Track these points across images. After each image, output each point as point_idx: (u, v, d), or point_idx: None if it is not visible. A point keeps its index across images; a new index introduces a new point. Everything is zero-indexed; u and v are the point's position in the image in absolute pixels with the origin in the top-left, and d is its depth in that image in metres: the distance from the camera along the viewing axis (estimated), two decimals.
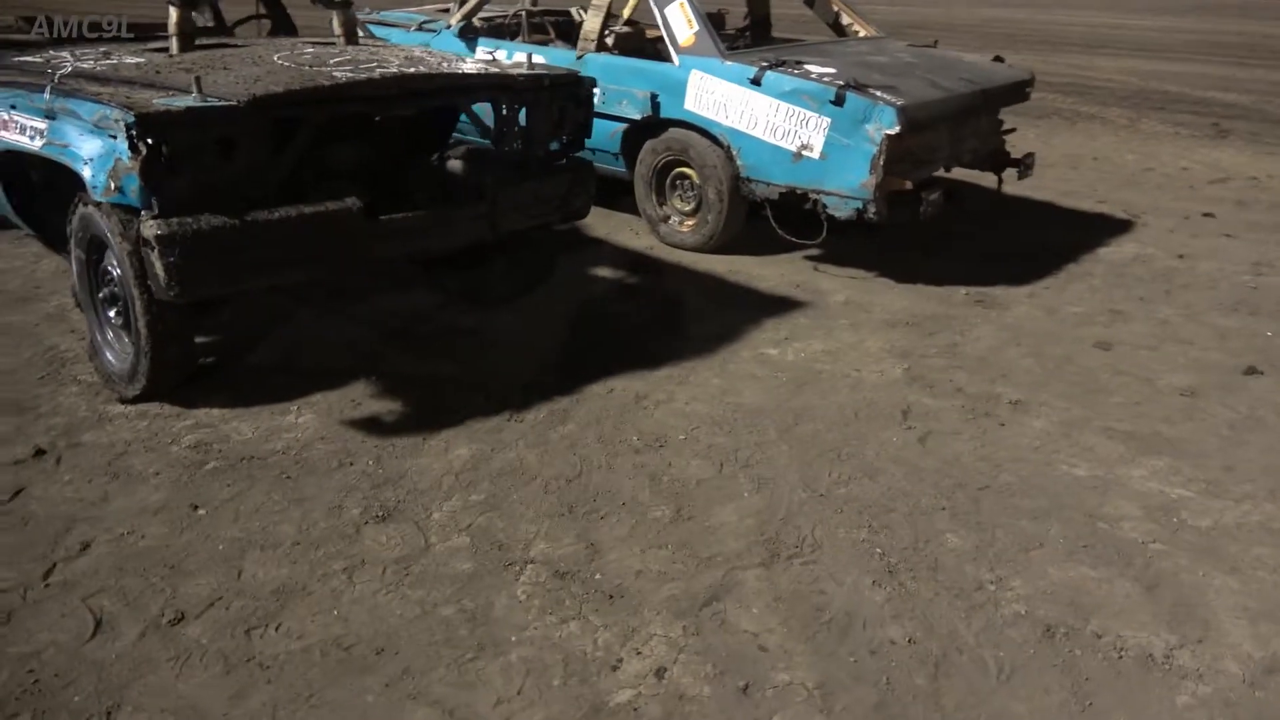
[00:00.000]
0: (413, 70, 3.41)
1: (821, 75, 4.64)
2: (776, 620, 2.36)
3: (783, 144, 4.75)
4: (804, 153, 4.67)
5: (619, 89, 5.34)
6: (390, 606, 2.38)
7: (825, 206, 4.73)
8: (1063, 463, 3.16)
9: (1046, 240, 5.63)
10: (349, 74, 3.21)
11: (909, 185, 4.56)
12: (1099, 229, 5.91)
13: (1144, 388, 3.75)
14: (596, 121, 5.47)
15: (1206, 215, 6.31)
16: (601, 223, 5.71)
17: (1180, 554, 2.67)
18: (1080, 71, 12.97)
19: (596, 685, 2.13)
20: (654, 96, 5.19)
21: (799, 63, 4.83)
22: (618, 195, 5.65)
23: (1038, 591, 2.49)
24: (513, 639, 2.27)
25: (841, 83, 4.50)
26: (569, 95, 3.81)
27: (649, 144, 5.34)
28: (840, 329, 4.26)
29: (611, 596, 2.43)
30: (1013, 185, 6.57)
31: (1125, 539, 2.74)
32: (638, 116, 5.29)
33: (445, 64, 3.73)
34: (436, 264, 4.43)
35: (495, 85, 3.63)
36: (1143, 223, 6.10)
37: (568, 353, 3.93)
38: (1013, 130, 5.74)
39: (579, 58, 5.56)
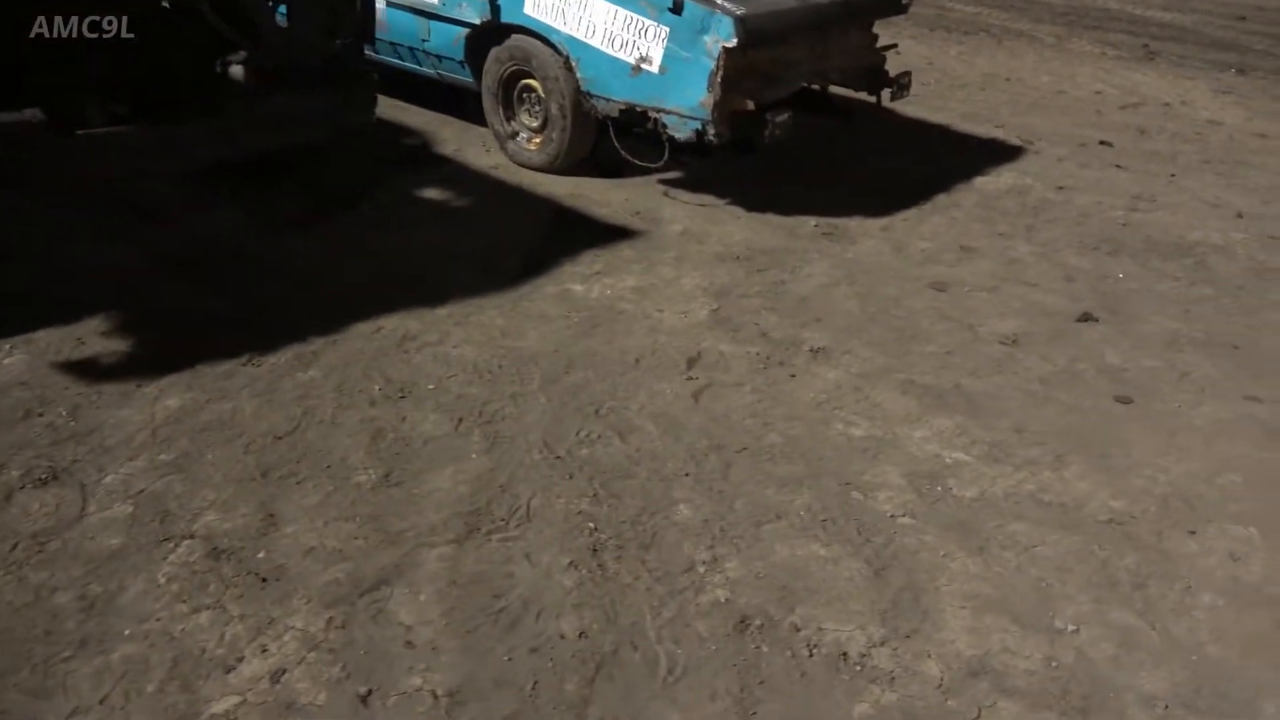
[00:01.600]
0: None
1: None
2: (440, 610, 2.08)
3: (621, 55, 4.32)
4: (643, 66, 4.25)
5: None
6: (2, 592, 2.06)
7: (665, 126, 4.33)
8: (841, 420, 2.88)
9: (925, 168, 5.27)
10: None
11: (750, 105, 4.16)
12: (984, 156, 5.55)
13: (964, 335, 3.46)
14: (440, 27, 5.04)
15: (1103, 143, 5.96)
16: (455, 137, 5.28)
17: (929, 530, 2.42)
18: None
19: (199, 691, 1.85)
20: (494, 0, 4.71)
21: None
22: (476, 108, 5.18)
23: (751, 575, 2.22)
24: (126, 633, 1.98)
25: None
26: None
27: (493, 52, 4.88)
28: (664, 263, 3.91)
29: (265, 580, 2.14)
30: (909, 107, 6.21)
31: (875, 511, 2.48)
32: (477, 21, 4.82)
33: None
34: (235, 181, 4.01)
35: None
36: (1034, 150, 5.75)
37: (351, 285, 3.56)
38: (893, 46, 5.31)
39: None
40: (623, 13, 4.24)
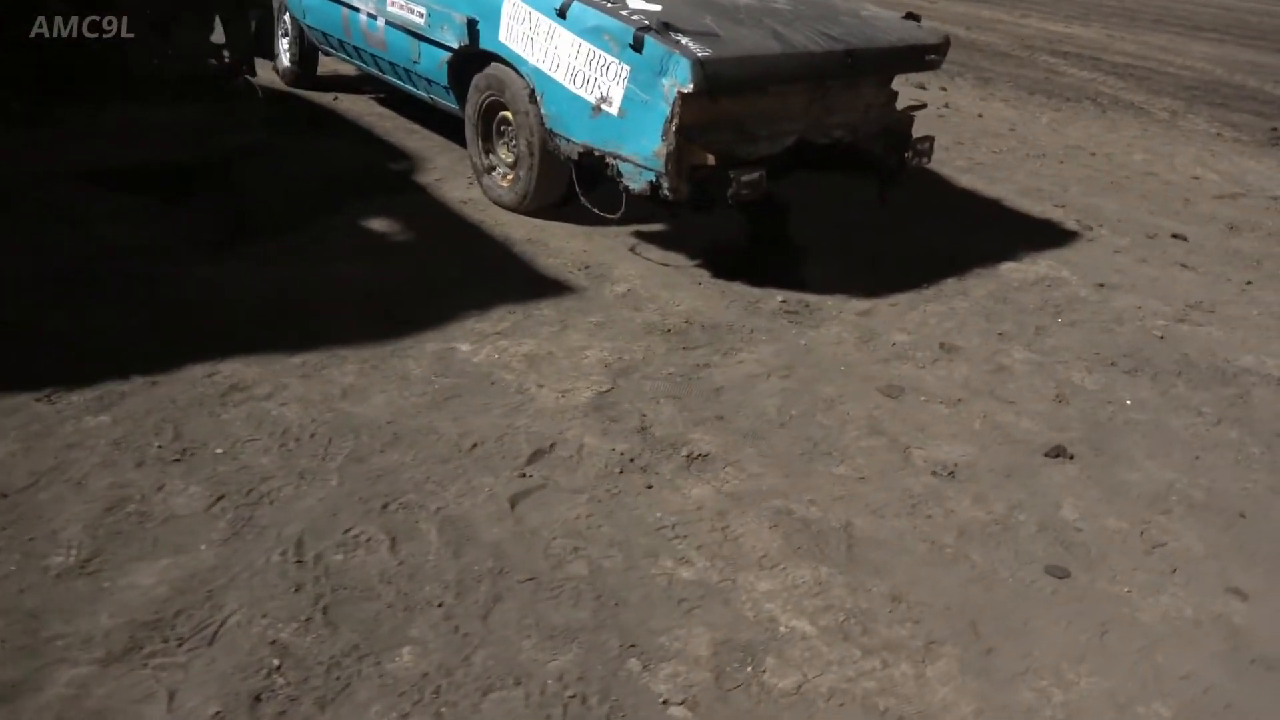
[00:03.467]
0: None
1: (634, 12, 3.72)
2: None
3: (582, 93, 3.87)
4: (603, 106, 3.80)
5: (442, 10, 4.52)
6: None
7: (620, 175, 3.86)
8: (674, 555, 2.32)
9: (949, 245, 4.61)
10: None
11: (710, 160, 3.63)
12: (1026, 238, 4.84)
13: (891, 458, 2.83)
14: (428, 49, 4.72)
15: (1177, 237, 5.14)
16: (447, 165, 4.96)
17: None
18: (1153, 54, 11.35)
19: None
20: (472, 22, 4.35)
21: None
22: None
23: None
24: None
25: (645, 22, 3.58)
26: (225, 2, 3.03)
27: (475, 79, 4.52)
28: (580, 328, 3.42)
29: None
30: (966, 176, 5.56)
31: (643, 693, 1.92)
32: (455, 45, 4.47)
33: None
34: (159, 192, 3.75)
35: None
36: (1090, 237, 4.98)
37: (227, 319, 3.22)
38: (920, 107, 4.67)
39: None
40: (586, 46, 3.79)
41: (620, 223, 4.19)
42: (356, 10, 5.19)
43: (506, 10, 4.16)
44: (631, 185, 3.83)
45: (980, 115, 7.58)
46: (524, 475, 2.57)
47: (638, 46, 3.58)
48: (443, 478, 2.52)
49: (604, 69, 3.75)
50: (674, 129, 3.56)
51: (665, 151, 3.60)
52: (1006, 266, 4.44)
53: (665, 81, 3.53)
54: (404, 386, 2.93)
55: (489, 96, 4.43)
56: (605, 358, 3.23)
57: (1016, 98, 8.45)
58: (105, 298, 3.25)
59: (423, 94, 5.11)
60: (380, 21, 5.02)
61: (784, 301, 3.82)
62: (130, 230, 3.74)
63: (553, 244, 4.16)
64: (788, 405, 3.06)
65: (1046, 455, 2.93)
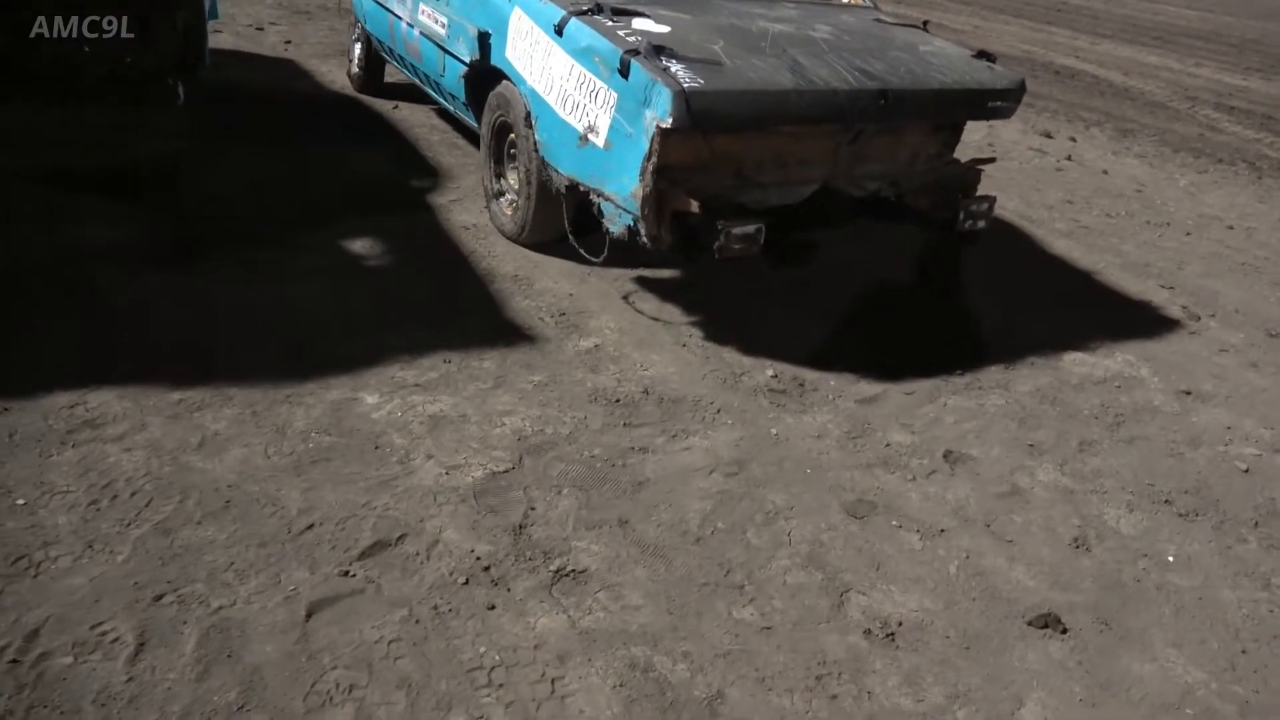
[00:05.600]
0: None
1: (633, 33, 3.25)
2: None
3: (571, 120, 3.42)
4: (590, 136, 3.33)
5: (459, 21, 4.17)
6: None
7: (602, 214, 3.38)
8: (470, 712, 1.81)
9: (1013, 321, 3.91)
10: None
11: (694, 207, 3.10)
12: (1109, 324, 4.06)
13: (819, 602, 2.24)
14: (451, 62, 4.38)
15: None
16: (473, 185, 4.59)
17: None
18: None
19: None
20: (484, 36, 3.98)
21: (625, 11, 3.43)
22: None
23: None
24: None
25: (636, 46, 3.09)
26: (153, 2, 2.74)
27: (489, 96, 4.14)
28: (515, 388, 2.97)
29: None
30: (1062, 241, 4.84)
31: None
32: (468, 59, 4.10)
33: None
34: (122, 195, 3.53)
35: None
36: (1192, 330, 4.15)
37: (141, 341, 2.94)
38: (989, 160, 3.97)
39: None
40: (578, 69, 3.34)
41: (627, 264, 3.72)
42: (399, 18, 4.92)
43: (513, 24, 3.75)
44: (611, 228, 3.34)
45: (1105, 171, 6.68)
46: (346, 574, 2.12)
47: (624, 72, 3.09)
48: (249, 566, 2.10)
49: (593, 95, 3.28)
50: (651, 169, 3.05)
51: (642, 194, 3.09)
52: (1071, 357, 3.69)
53: (648, 114, 3.03)
54: (274, 441, 2.54)
55: (499, 116, 4.04)
56: (524, 428, 2.74)
57: (1157, 155, 7.46)
58: (41, 305, 3.03)
59: (450, 108, 4.78)
60: (416, 30, 4.72)
61: (774, 375, 3.24)
62: (98, 232, 3.53)
63: (539, 284, 3.71)
64: (717, 514, 2.49)
65: (1031, 624, 2.25)
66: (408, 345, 3.11)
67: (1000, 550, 2.51)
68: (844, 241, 4.38)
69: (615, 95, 3.17)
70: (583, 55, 3.31)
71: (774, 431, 2.92)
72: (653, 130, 3.01)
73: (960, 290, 4.19)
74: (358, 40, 5.99)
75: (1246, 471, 3.06)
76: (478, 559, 2.21)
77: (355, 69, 6.12)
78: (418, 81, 5.16)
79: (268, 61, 6.73)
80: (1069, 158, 6.91)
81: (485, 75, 4.10)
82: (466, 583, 2.14)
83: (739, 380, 3.20)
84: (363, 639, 1.95)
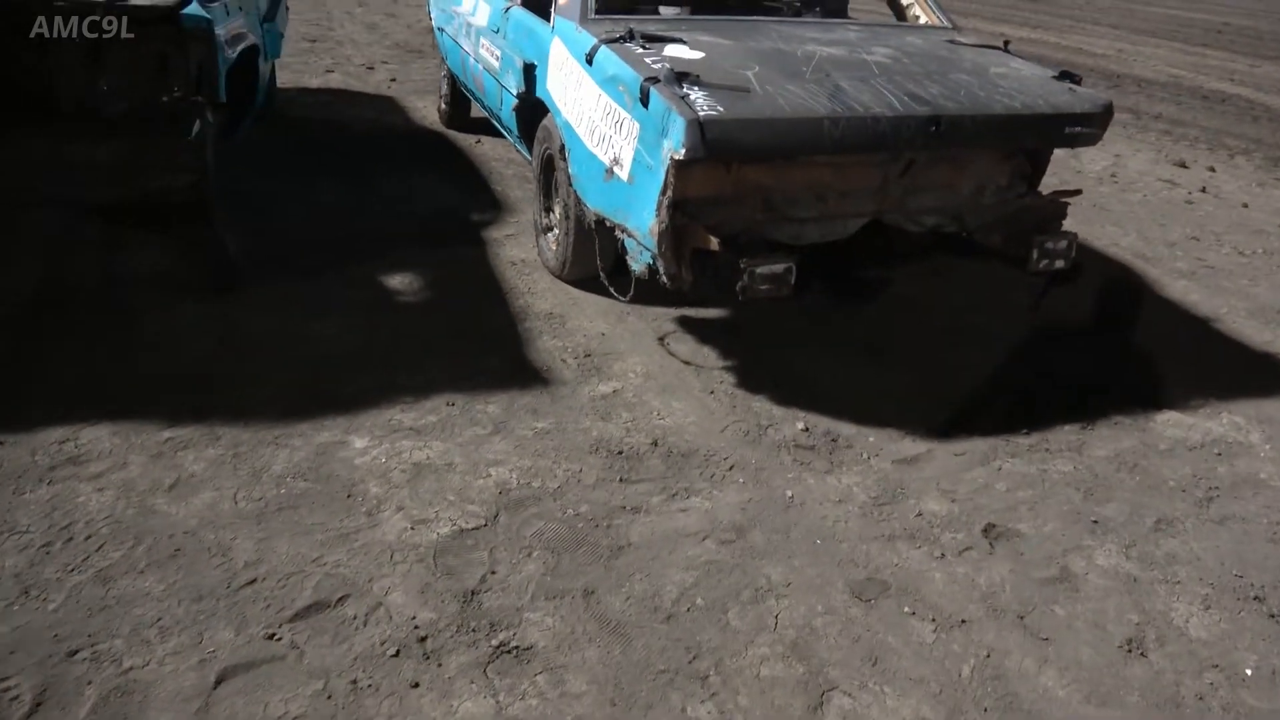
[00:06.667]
0: None
1: (660, 60, 3.06)
2: None
3: (598, 153, 3.26)
4: (615, 169, 3.16)
5: (510, 53, 4.10)
6: None
7: (627, 251, 3.19)
8: None
9: (1102, 373, 3.49)
10: None
11: (714, 244, 2.86)
12: (1219, 377, 3.56)
13: (790, 705, 1.94)
14: (506, 95, 4.32)
15: None
16: (530, 222, 4.49)
17: None
18: None
19: None
20: (530, 68, 3.88)
21: (659, 38, 3.24)
22: None
23: None
24: None
25: (657, 74, 2.90)
26: (162, 36, 2.74)
27: (539, 129, 4.03)
28: (513, 435, 2.80)
29: None
30: (1180, 281, 4.33)
31: None
32: (514, 92, 4.01)
33: None
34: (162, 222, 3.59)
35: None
36: None
37: (150, 373, 2.94)
38: (1075, 193, 3.54)
39: (506, 10, 4.35)
40: (605, 99, 3.17)
41: (670, 303, 3.52)
42: (468, 53, 4.90)
43: (553, 56, 3.62)
44: (634, 265, 3.13)
45: (1245, 205, 5.99)
46: (272, 636, 1.97)
47: (644, 100, 2.89)
48: (175, 622, 1.98)
49: (618, 125, 3.10)
50: (666, 202, 2.83)
51: (658, 229, 2.87)
52: (1165, 418, 3.22)
53: (665, 144, 2.81)
54: (247, 485, 2.44)
55: (546, 149, 3.91)
56: (509, 480, 2.55)
57: None
58: (73, 330, 3.10)
59: (512, 141, 4.70)
60: (480, 65, 4.68)
61: (805, 429, 2.94)
62: (137, 260, 3.61)
63: (571, 322, 3.54)
64: (699, 587, 2.22)
65: None
66: (416, 385, 2.98)
67: (1031, 649, 2.13)
68: (916, 279, 4.02)
69: (638, 126, 2.97)
70: (609, 84, 3.13)
71: (789, 494, 2.62)
72: (668, 161, 2.79)
73: (1043, 336, 3.75)
74: (445, 76, 6.03)
75: None
76: (416, 628, 2.02)
77: (443, 105, 6.18)
78: (488, 115, 5.12)
79: (368, 98, 6.90)
80: (1203, 189, 6.24)
81: (534, 108, 3.98)
82: (396, 654, 1.95)
83: (764, 433, 2.91)
84: (266, 713, 1.79)
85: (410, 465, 2.58)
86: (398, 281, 3.77)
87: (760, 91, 2.89)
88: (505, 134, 4.75)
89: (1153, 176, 6.51)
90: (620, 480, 2.61)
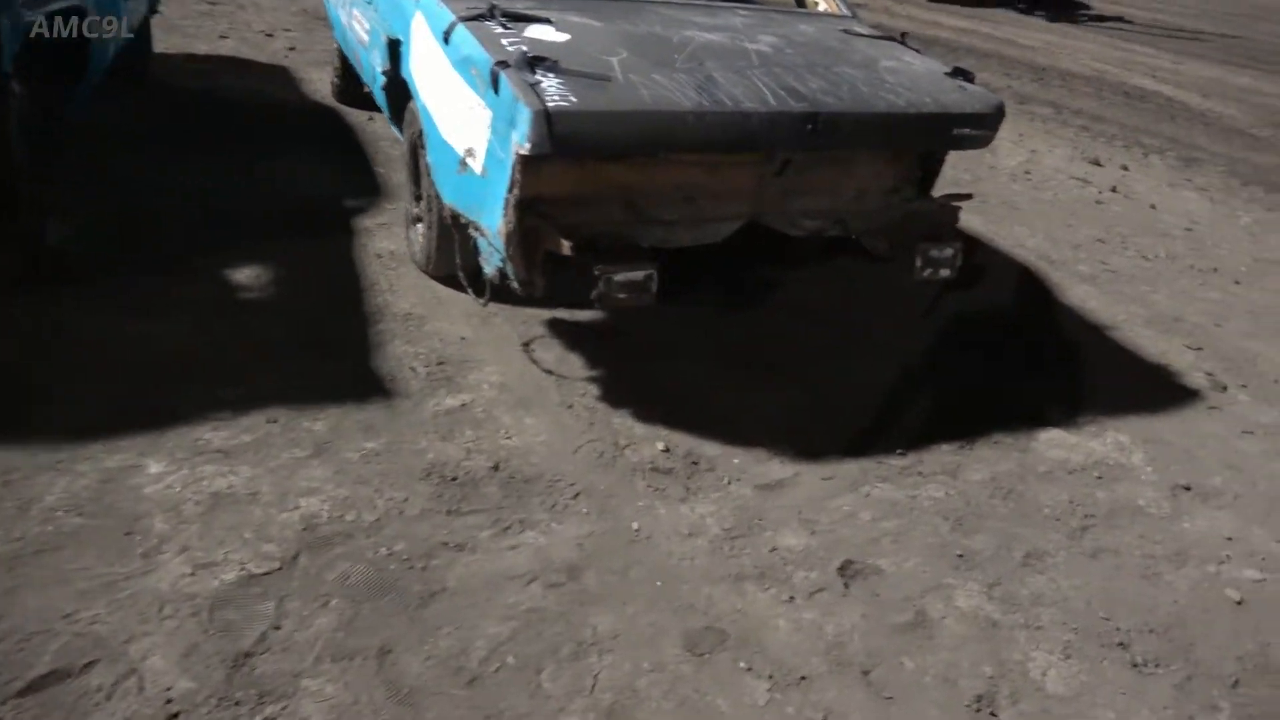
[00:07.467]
0: None
1: (519, 42, 2.76)
2: None
3: (452, 141, 2.96)
4: (469, 161, 2.86)
5: (377, 28, 3.76)
6: None
7: (479, 252, 2.90)
8: None
9: (988, 386, 3.31)
10: None
11: (566, 248, 2.59)
12: (1111, 391, 3.41)
13: None
14: (377, 73, 3.97)
15: None
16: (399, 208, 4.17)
17: None
18: None
19: None
20: (394, 44, 3.55)
21: (524, 17, 2.94)
22: None
23: None
24: None
25: (508, 55, 2.61)
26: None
27: (406, 111, 3.71)
28: (337, 458, 2.51)
29: None
30: (1081, 286, 4.18)
31: None
32: (380, 70, 3.68)
33: None
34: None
35: None
36: (1215, 403, 3.46)
37: None
38: (965, 197, 3.35)
39: None
40: (460, 82, 2.87)
41: (546, 304, 3.25)
42: (345, 25, 4.54)
43: (414, 32, 3.30)
44: (486, 268, 2.85)
45: (1153, 206, 5.91)
46: None
47: (495, 86, 2.59)
48: None
49: (472, 113, 2.81)
50: (514, 201, 2.55)
51: (505, 230, 2.60)
52: (1049, 436, 3.06)
53: (514, 136, 2.53)
54: (9, 522, 2.14)
55: (412, 134, 3.59)
56: (319, 513, 2.27)
57: (1221, 187, 6.62)
58: None
59: (389, 120, 4.37)
60: (354, 37, 4.33)
61: (665, 450, 2.71)
62: None
63: (430, 324, 3.25)
64: (514, 642, 1.97)
65: None
66: (237, 398, 2.67)
67: (872, 710, 1.93)
68: (818, 284, 3.82)
69: (490, 114, 2.68)
70: (463, 66, 2.84)
71: (635, 526, 2.39)
72: (514, 156, 2.51)
73: (942, 344, 3.57)
74: (336, 48, 5.65)
75: (1239, 604, 2.40)
76: (169, 701, 1.74)
77: (335, 78, 5.79)
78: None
79: (261, 68, 6.46)
80: (1114, 189, 6.14)
81: (402, 87, 3.66)
82: None
83: (620, 454, 2.67)
84: None
85: (208, 495, 2.29)
86: (246, 276, 3.44)
87: (622, 80, 2.62)
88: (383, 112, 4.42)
89: (1066, 174, 6.41)
90: (448, 512, 2.35)
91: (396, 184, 4.56)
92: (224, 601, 1.99)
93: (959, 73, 3.17)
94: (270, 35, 7.40)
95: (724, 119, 2.60)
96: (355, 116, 5.52)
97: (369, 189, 4.48)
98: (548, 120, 2.40)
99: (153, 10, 5.45)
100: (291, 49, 7.05)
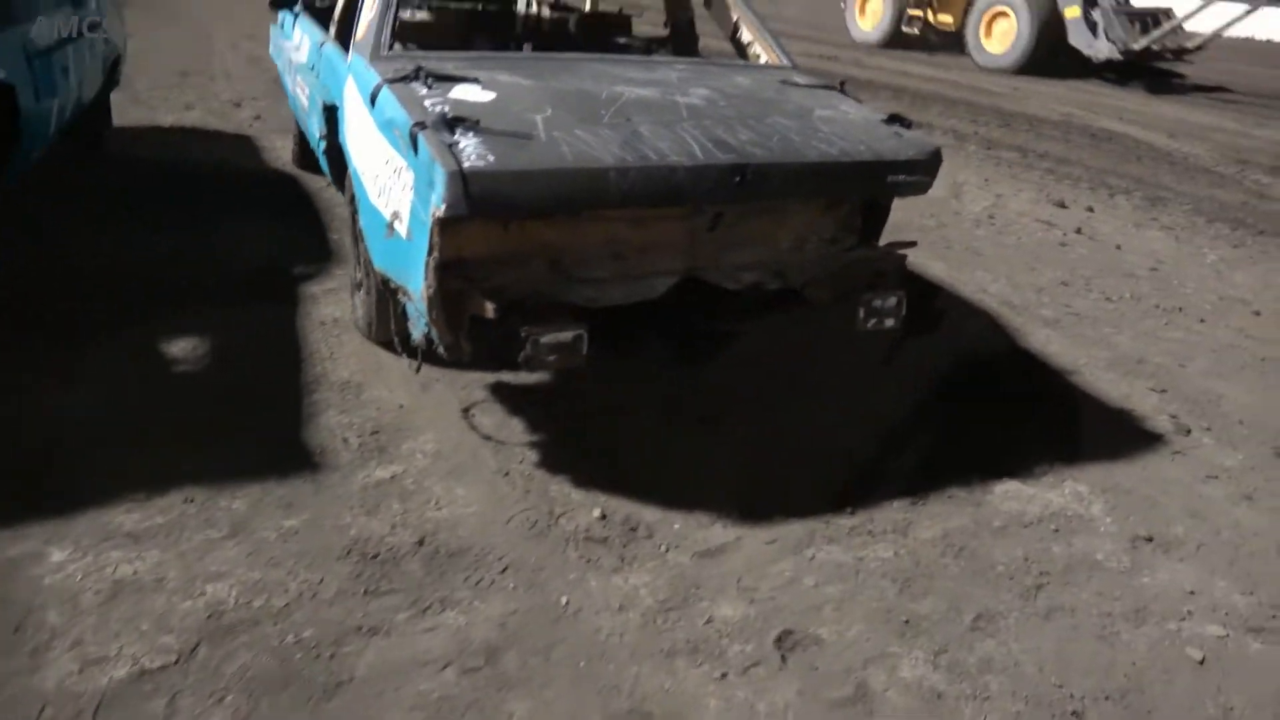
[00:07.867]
0: None
1: (442, 103, 2.70)
2: None
3: (379, 205, 2.89)
4: (395, 225, 2.79)
5: (315, 94, 3.73)
6: None
7: (407, 318, 2.81)
8: None
9: (944, 439, 3.21)
10: None
11: (490, 310, 2.51)
12: (1071, 439, 3.31)
13: None
14: (318, 139, 3.93)
15: None
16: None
17: None
18: None
19: None
20: (331, 110, 3.51)
21: (449, 78, 2.90)
22: None
23: None
24: None
25: (425, 118, 2.55)
26: None
27: (348, 175, 3.65)
28: (253, 537, 2.40)
29: None
30: (1043, 330, 4.09)
31: None
32: (318, 135, 3.63)
33: None
34: None
35: None
36: (1179, 447, 3.36)
37: None
38: (909, 244, 3.28)
39: (320, 45, 3.98)
40: (385, 145, 2.81)
41: (490, 368, 3.16)
42: (293, 93, 4.52)
43: (347, 97, 3.26)
44: (413, 333, 2.76)
45: (1119, 247, 5.87)
46: None
47: (415, 146, 2.53)
48: None
49: (397, 175, 2.74)
50: (434, 264, 2.47)
51: (427, 294, 2.51)
52: (1004, 489, 2.95)
53: (433, 198, 2.46)
54: None
55: (350, 198, 3.53)
56: (226, 599, 2.15)
57: (1187, 226, 6.60)
58: None
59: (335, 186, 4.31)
60: (299, 105, 4.30)
61: (602, 517, 2.59)
62: None
63: (368, 393, 3.16)
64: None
65: None
66: (155, 477, 2.56)
67: None
68: (777, 332, 3.74)
69: (412, 175, 2.62)
70: (387, 128, 2.79)
71: (564, 601, 2.26)
72: (431, 219, 2.44)
73: (898, 394, 3.48)
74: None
75: (1201, 663, 2.27)
76: None
77: (294, 144, 5.79)
78: None
79: (224, 138, 6.47)
80: (1079, 230, 6.11)
81: (339, 153, 3.61)
82: None
83: (554, 523, 2.56)
84: None
85: (110, 583, 2.17)
86: (181, 346, 3.35)
87: (544, 138, 2.56)
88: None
89: (1031, 217, 6.39)
90: (365, 593, 2.22)
91: (348, 250, 4.49)
92: (111, 701, 1.86)
93: (895, 119, 3.13)
94: (238, 105, 7.43)
95: (648, 174, 2.54)
96: (314, 183, 5.49)
97: (320, 255, 4.42)
98: (463, 180, 2.34)
99: (111, 83, 5.43)
100: (257, 118, 7.07)
